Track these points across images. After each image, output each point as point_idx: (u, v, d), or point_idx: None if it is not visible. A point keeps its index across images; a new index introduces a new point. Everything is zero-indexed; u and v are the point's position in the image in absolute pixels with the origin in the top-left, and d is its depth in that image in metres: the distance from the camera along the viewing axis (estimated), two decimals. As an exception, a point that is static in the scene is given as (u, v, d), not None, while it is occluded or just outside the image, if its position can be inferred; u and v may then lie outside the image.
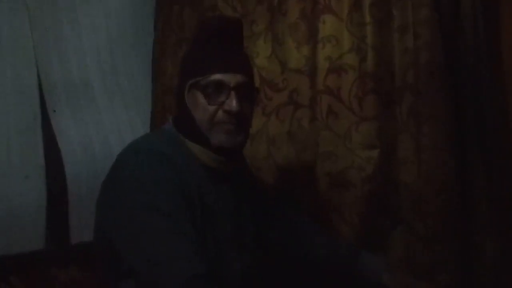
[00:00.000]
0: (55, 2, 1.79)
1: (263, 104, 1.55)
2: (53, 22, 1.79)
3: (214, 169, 1.02)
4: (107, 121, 1.86)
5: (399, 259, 1.36)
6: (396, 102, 1.39)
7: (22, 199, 1.65)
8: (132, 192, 0.88)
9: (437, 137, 1.33)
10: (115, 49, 1.92)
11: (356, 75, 1.43)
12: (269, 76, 1.56)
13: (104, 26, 1.91)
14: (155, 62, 1.93)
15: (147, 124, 1.90)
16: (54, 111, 1.78)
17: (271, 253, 1.23)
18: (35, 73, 1.73)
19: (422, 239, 1.34)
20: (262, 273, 1.12)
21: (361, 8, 1.42)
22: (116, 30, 1.93)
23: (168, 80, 1.85)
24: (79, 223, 1.71)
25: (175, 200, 0.89)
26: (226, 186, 1.05)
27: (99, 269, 0.95)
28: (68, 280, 1.72)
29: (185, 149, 1.00)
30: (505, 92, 1.43)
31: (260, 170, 1.60)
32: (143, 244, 0.86)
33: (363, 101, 1.42)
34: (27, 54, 1.71)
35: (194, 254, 0.86)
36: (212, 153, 1.00)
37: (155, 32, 1.94)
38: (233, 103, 0.97)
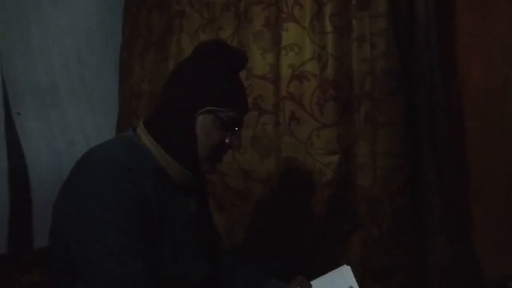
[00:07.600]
0: (22, 4, 1.78)
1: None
2: (19, 25, 1.78)
3: (179, 182, 1.03)
4: (73, 124, 1.85)
5: (356, 260, 1.41)
6: (354, 109, 1.43)
7: (-16, 203, 1.64)
8: (90, 205, 0.87)
9: (392, 143, 1.38)
10: (83, 53, 1.92)
11: (317, 83, 1.47)
12: (234, 82, 1.59)
13: (72, 30, 1.90)
14: (122, 66, 1.94)
15: (114, 127, 1.90)
16: (19, 113, 1.77)
17: None
18: (-1, 76, 1.72)
19: (377, 241, 1.38)
20: (220, 280, 1.14)
21: (323, 17, 1.46)
22: (83, 34, 1.92)
23: (136, 84, 1.86)
24: (43, 227, 1.68)
25: (132, 216, 0.89)
26: (188, 197, 1.06)
27: (53, 272, 0.95)
28: (31, 285, 1.70)
29: (148, 159, 0.99)
30: (459, 99, 1.49)
31: (225, 175, 1.63)
32: (96, 258, 0.87)
33: (324, 108, 1.47)
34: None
35: (144, 273, 0.88)
36: (187, 170, 1.02)
37: (123, 37, 1.95)
38: (239, 143, 1.03)
